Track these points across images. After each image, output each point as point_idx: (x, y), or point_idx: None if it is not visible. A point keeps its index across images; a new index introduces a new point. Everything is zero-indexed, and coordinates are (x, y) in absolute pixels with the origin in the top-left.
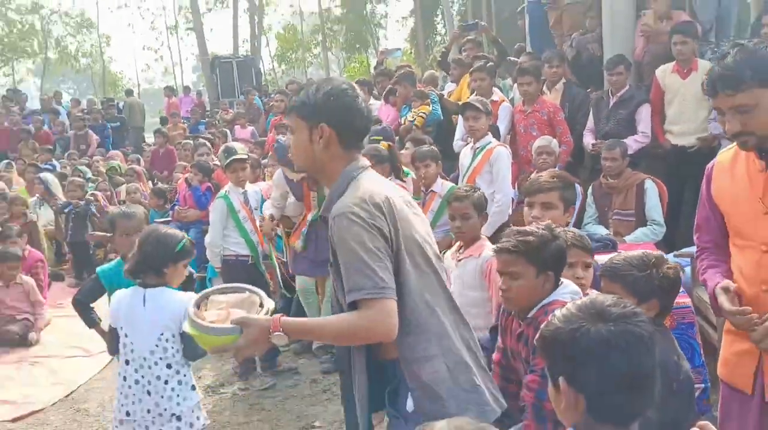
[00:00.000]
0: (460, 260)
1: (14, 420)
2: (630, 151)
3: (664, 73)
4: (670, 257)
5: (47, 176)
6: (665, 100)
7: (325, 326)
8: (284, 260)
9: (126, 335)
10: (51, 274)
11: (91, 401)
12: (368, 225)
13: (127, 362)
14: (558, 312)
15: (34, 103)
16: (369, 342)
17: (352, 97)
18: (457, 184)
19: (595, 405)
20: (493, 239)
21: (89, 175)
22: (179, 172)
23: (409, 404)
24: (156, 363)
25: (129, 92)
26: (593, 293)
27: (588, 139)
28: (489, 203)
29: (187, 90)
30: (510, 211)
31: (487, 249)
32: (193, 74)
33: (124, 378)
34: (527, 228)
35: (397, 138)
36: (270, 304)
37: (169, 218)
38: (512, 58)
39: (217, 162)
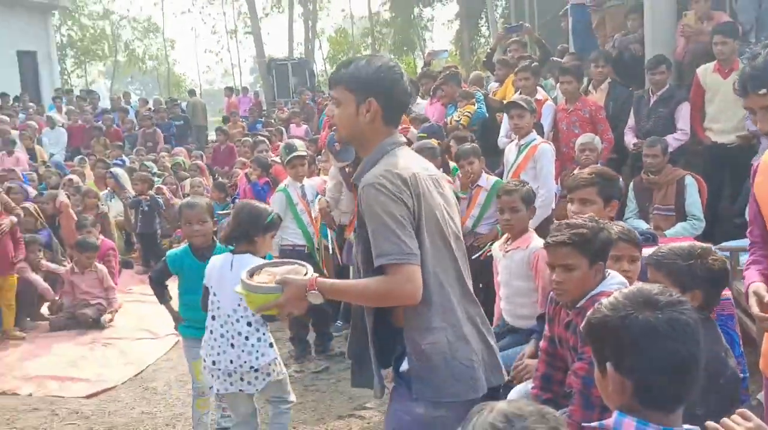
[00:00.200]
0: (507, 252)
1: (89, 396)
2: (670, 149)
3: (706, 72)
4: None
5: (117, 171)
6: (706, 98)
7: (354, 287)
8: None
9: (214, 294)
10: (121, 262)
11: (159, 380)
12: (394, 196)
13: (213, 318)
14: (605, 300)
15: (104, 103)
16: (394, 304)
17: (399, 74)
18: (501, 178)
19: (642, 390)
20: (536, 232)
21: (155, 169)
22: (238, 168)
23: (404, 366)
24: (238, 320)
25: (192, 92)
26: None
27: (629, 138)
28: None
29: (245, 90)
30: (553, 206)
31: (534, 241)
32: (251, 76)
33: (211, 331)
34: (576, 221)
35: None
36: (312, 272)
37: (230, 211)
38: (555, 59)
39: (275, 158)
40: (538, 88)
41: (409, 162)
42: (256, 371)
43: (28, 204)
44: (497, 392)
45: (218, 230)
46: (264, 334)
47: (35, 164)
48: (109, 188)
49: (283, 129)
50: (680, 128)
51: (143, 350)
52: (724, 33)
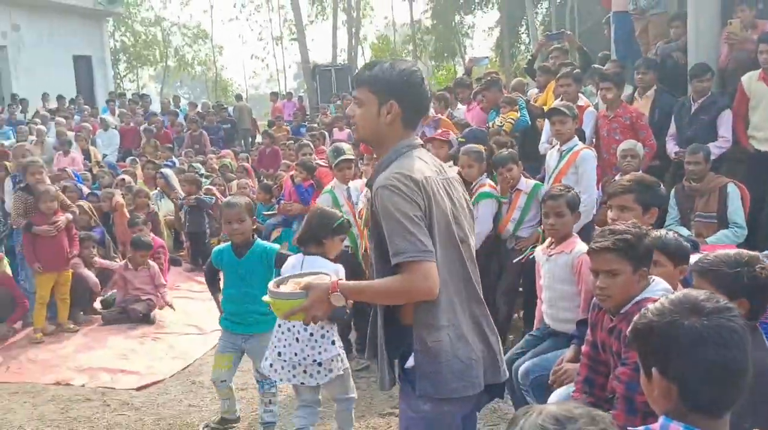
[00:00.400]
0: (551, 255)
1: (139, 388)
2: (711, 157)
3: (750, 80)
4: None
5: (167, 172)
6: (750, 106)
7: (374, 287)
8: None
9: None
10: (170, 259)
11: (205, 374)
12: (408, 197)
13: None
14: (651, 306)
15: (155, 107)
16: (413, 300)
17: (420, 79)
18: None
19: (688, 395)
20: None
21: (202, 171)
22: (283, 170)
23: (410, 361)
24: None
25: (238, 97)
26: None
27: (671, 147)
28: None
29: (290, 95)
30: (594, 212)
31: (578, 245)
32: (294, 81)
33: (279, 325)
34: (620, 227)
35: None
36: (335, 278)
37: (275, 212)
38: (597, 66)
39: (319, 161)
40: (579, 94)
41: (422, 165)
42: (320, 365)
43: (82, 202)
44: (495, 389)
45: (260, 230)
46: (328, 331)
47: (89, 164)
48: (159, 188)
49: (326, 133)
50: (722, 136)
51: (190, 344)
52: None
